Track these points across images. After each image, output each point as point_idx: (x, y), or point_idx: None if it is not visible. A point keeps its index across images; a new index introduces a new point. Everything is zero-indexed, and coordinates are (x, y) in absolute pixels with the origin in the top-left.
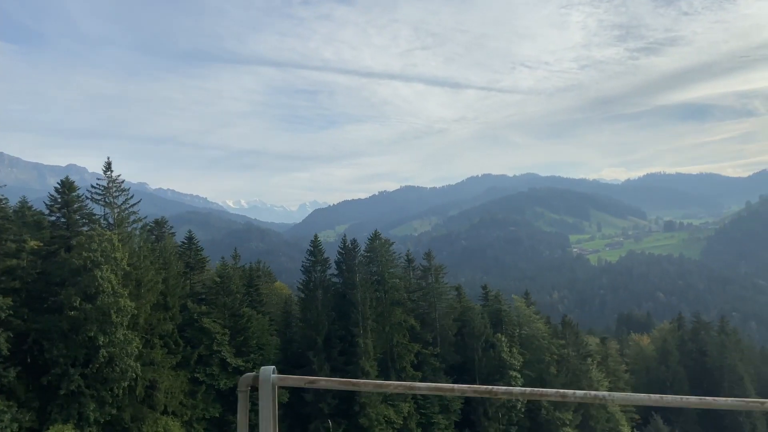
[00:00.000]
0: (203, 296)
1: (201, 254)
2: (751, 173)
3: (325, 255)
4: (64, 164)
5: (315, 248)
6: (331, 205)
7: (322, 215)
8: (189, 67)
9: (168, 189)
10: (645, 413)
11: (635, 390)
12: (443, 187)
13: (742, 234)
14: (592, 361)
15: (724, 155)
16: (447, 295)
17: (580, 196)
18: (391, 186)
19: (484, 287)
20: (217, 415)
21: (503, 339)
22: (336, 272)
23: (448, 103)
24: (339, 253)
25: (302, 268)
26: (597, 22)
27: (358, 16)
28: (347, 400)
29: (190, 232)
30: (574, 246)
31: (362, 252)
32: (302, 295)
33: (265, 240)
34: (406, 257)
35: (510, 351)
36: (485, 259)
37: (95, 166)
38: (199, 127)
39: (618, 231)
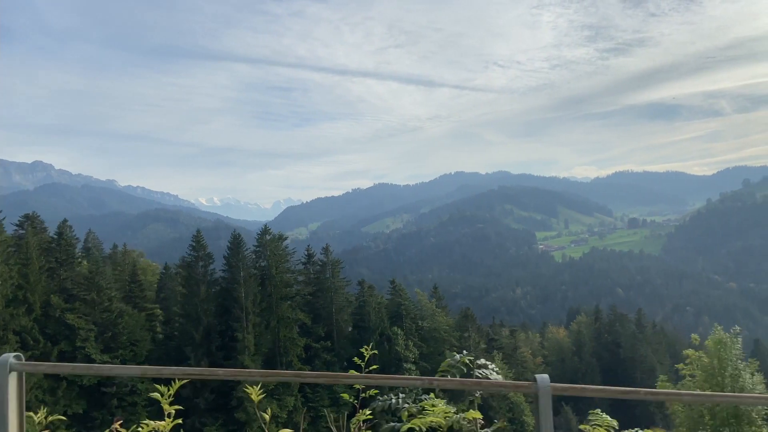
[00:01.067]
0: (73, 292)
1: (72, 250)
2: (715, 171)
3: (209, 250)
4: (30, 161)
5: (197, 243)
6: (304, 202)
7: (295, 213)
8: (160, 63)
9: (138, 186)
10: (555, 403)
11: (552, 379)
12: (416, 184)
13: (700, 231)
14: (498, 352)
15: (691, 154)
16: (344, 290)
17: (549, 194)
18: (366, 183)
19: (393, 281)
20: (81, 411)
21: (399, 332)
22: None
23: (423, 101)
24: (228, 248)
25: (183, 263)
26: (567, 23)
27: (332, 14)
28: (225, 394)
29: (62, 224)
30: (540, 243)
31: (252, 246)
32: (184, 291)
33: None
34: (306, 252)
35: (406, 344)
36: (452, 256)
37: (62, 163)
38: (171, 124)
39: (584, 228)
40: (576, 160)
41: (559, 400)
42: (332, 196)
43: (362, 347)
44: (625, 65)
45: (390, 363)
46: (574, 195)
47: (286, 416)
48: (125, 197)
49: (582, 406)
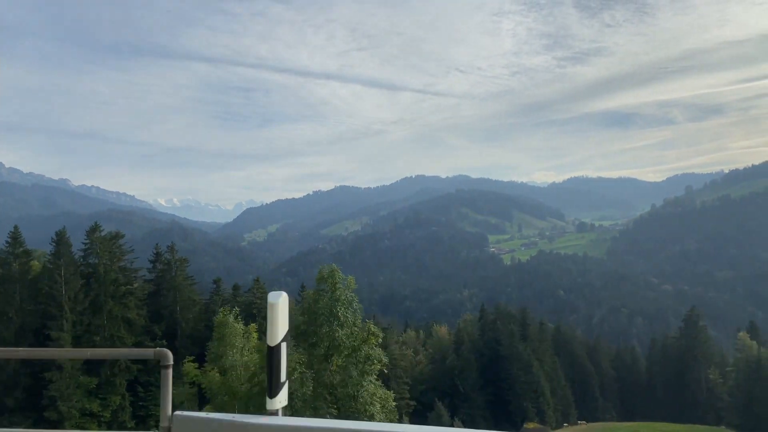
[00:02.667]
0: None
1: None
2: (665, 178)
3: (26, 247)
4: None
5: (14, 240)
6: (264, 204)
7: (254, 215)
8: (116, 60)
9: (92, 186)
10: (427, 398)
11: (434, 375)
12: (378, 187)
13: (643, 235)
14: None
15: (645, 161)
16: (190, 288)
17: (505, 198)
18: (329, 186)
19: (257, 279)
20: None
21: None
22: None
23: (386, 105)
24: (52, 244)
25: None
26: (526, 31)
27: (294, 15)
28: (37, 393)
29: None
30: (492, 246)
31: (82, 243)
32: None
33: (188, 239)
34: (154, 250)
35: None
36: (406, 259)
37: (12, 161)
38: (128, 123)
39: (536, 231)
40: (536, 165)
41: (431, 395)
42: (293, 198)
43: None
44: (582, 73)
45: None
46: (529, 199)
47: (110, 416)
48: (78, 197)
49: (457, 402)
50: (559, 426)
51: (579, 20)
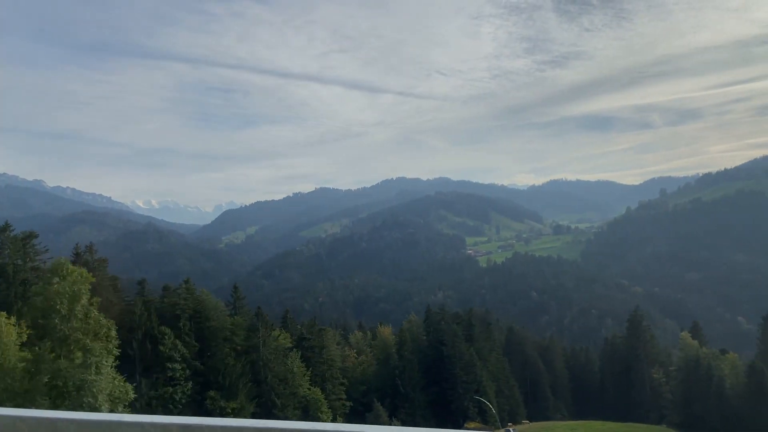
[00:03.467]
0: None
1: None
2: (643, 181)
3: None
4: None
5: None
6: (244, 206)
7: (233, 216)
8: (92, 60)
9: (67, 187)
10: (368, 399)
11: (377, 375)
12: (358, 189)
13: (616, 237)
14: (297, 351)
15: (623, 164)
16: (108, 290)
17: (484, 201)
18: (309, 188)
19: (186, 280)
20: None
21: (168, 331)
22: None
23: (367, 107)
24: None
25: None
26: (507, 34)
27: (274, 16)
28: None
29: None
30: (469, 248)
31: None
32: None
33: (163, 241)
34: (73, 251)
35: (173, 343)
36: (382, 261)
37: None
38: (105, 123)
39: (513, 234)
40: (517, 168)
41: (370, 396)
42: (272, 200)
43: (125, 347)
44: (561, 77)
45: (153, 362)
46: (508, 202)
47: None
48: (52, 198)
49: (397, 402)
50: (504, 425)
51: (558, 24)
